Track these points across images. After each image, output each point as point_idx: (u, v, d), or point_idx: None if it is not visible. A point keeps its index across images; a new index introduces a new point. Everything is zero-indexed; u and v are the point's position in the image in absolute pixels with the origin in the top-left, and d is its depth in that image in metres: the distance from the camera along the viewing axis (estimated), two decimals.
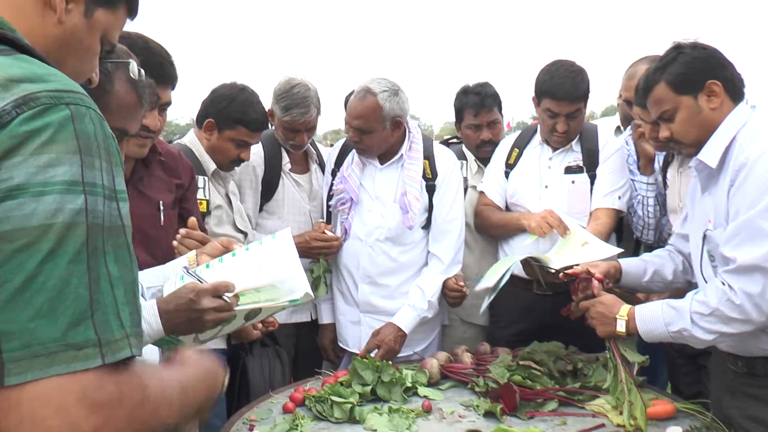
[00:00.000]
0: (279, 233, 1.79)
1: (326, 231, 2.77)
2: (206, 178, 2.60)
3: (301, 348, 3.04)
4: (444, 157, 2.77)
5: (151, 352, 1.75)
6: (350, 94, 3.41)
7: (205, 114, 2.65)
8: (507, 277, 2.26)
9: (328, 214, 2.90)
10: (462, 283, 2.68)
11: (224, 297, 1.56)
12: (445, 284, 2.71)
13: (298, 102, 2.76)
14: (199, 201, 2.51)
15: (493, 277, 2.34)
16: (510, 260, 2.39)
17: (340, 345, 2.91)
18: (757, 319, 1.76)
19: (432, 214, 2.74)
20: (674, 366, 2.73)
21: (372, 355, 2.45)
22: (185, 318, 1.53)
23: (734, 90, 1.90)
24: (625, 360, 2.08)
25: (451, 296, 2.70)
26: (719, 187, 1.86)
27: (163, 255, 1.96)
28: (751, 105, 1.95)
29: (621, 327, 2.01)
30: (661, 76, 1.93)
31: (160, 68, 2.10)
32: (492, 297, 2.34)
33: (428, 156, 2.74)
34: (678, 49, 1.93)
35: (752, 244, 1.73)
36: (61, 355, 0.69)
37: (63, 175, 0.72)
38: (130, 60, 1.50)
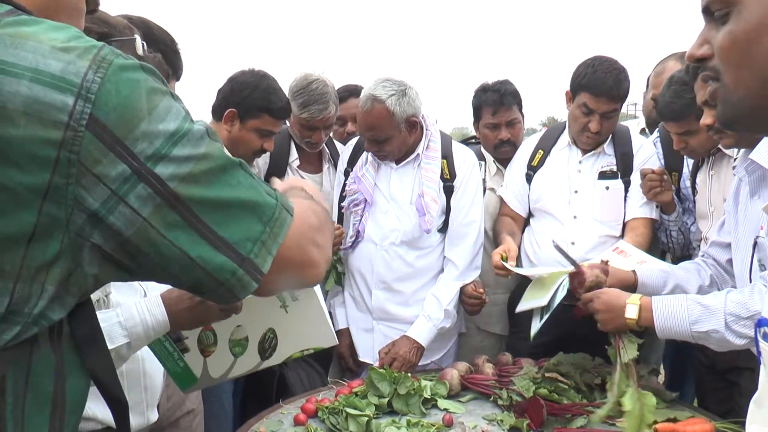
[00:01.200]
0: (301, 294, 1.64)
1: None
2: None
3: (307, 356, 2.92)
4: (463, 156, 2.64)
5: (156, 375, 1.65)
6: (345, 91, 3.21)
7: (225, 104, 2.51)
8: (563, 293, 2.08)
9: (340, 215, 2.77)
10: (481, 290, 2.56)
11: None
12: (463, 291, 2.58)
13: (316, 98, 2.64)
14: None
15: (538, 296, 2.18)
16: (558, 275, 2.19)
17: None
18: None
19: (449, 216, 2.61)
20: (702, 383, 2.60)
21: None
22: (189, 304, 1.43)
23: None
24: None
25: (470, 303, 2.57)
26: None
27: None
28: None
29: (631, 313, 1.87)
30: None
31: (162, 57, 1.96)
32: (546, 317, 2.14)
33: (446, 155, 2.61)
34: None
35: None
36: (276, 225, 0.85)
37: (179, 111, 0.79)
38: (135, 36, 1.39)
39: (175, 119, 0.77)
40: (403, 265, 2.61)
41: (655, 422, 1.93)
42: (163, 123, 0.76)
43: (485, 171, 2.95)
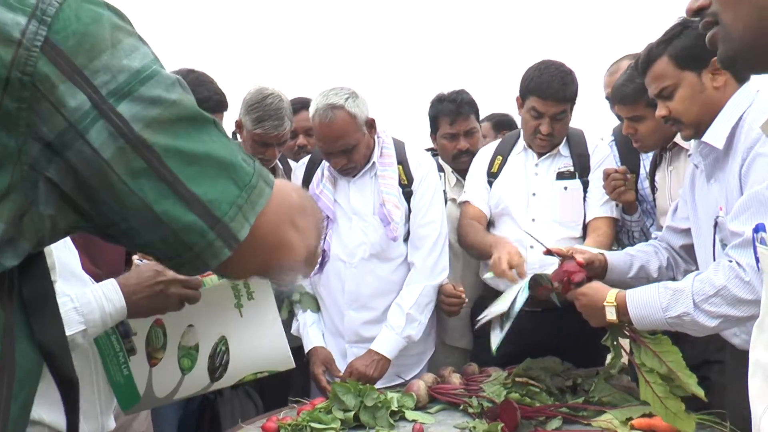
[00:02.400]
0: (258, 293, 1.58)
1: None
2: None
3: (266, 381, 2.78)
4: (418, 159, 2.56)
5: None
6: (297, 103, 3.12)
7: None
8: (524, 297, 2.01)
9: None
10: (461, 289, 2.46)
11: None
12: (442, 290, 2.48)
13: (271, 114, 2.52)
14: None
15: (497, 308, 2.11)
16: (516, 285, 2.12)
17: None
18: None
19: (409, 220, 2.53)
20: None
21: None
22: (149, 293, 1.36)
23: None
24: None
25: (448, 303, 2.47)
26: (728, 171, 1.72)
27: (108, 266, 1.74)
28: (756, 89, 1.83)
29: (611, 315, 1.83)
30: (664, 50, 1.81)
31: None
32: (508, 326, 2.05)
33: (401, 161, 2.53)
34: (685, 23, 1.82)
35: (765, 216, 1.58)
36: (254, 193, 0.75)
37: (147, 53, 0.72)
38: None
39: (142, 59, 0.70)
40: (375, 280, 2.49)
41: (630, 418, 1.88)
42: (127, 59, 0.69)
43: (445, 182, 2.90)
